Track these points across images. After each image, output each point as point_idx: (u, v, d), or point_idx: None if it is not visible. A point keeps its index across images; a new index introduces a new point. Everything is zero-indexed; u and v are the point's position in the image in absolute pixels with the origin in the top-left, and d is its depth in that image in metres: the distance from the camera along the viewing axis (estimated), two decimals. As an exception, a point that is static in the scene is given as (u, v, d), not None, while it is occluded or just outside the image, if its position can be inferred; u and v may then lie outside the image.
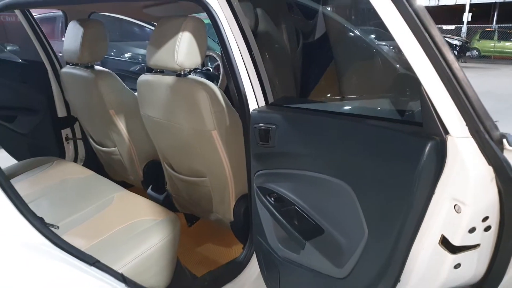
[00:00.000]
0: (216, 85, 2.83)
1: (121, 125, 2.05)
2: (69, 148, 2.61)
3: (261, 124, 1.25)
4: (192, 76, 1.61)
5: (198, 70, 3.02)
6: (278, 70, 1.63)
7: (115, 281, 1.17)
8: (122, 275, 1.22)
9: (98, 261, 1.16)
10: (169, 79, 1.60)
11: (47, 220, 1.62)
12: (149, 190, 2.21)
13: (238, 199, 1.75)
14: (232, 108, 1.62)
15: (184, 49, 1.49)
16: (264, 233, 1.31)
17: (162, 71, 1.70)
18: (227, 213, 1.78)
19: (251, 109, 1.35)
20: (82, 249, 1.42)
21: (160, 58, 1.56)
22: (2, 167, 2.12)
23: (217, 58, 2.98)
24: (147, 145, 2.05)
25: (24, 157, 2.63)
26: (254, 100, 1.38)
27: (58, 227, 1.39)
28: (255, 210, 1.38)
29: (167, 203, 2.10)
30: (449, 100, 0.66)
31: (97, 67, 2.05)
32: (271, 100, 1.38)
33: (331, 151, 0.96)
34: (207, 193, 1.78)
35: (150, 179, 2.24)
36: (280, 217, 1.15)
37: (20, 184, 1.99)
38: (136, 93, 2.16)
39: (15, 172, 2.11)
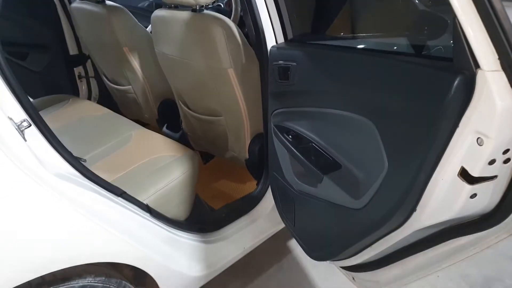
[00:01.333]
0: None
1: (135, 62, 2.04)
2: (82, 86, 2.62)
3: (281, 62, 1.24)
4: (208, 11, 1.57)
5: (209, 6, 2.92)
6: (297, 3, 1.58)
7: (141, 211, 1.25)
8: (147, 205, 1.30)
9: (125, 192, 1.22)
10: (184, 14, 1.56)
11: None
12: (164, 129, 2.26)
13: (253, 138, 1.79)
14: (248, 45, 1.59)
15: None
16: (281, 169, 1.35)
17: (176, 6, 1.66)
18: (242, 151, 1.83)
19: (269, 46, 1.33)
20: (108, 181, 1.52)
21: None
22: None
23: None
24: (162, 83, 2.05)
25: (39, 95, 2.66)
26: (273, 36, 1.35)
27: (85, 160, 1.45)
28: (271, 148, 1.41)
29: (183, 142, 2.14)
30: (484, 33, 0.65)
31: (108, 2, 2.00)
32: (290, 36, 1.35)
33: (354, 88, 0.97)
34: (222, 131, 1.82)
35: (165, 118, 2.27)
36: (298, 153, 1.19)
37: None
38: (148, 30, 2.13)
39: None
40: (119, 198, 1.19)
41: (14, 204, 0.86)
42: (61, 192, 0.95)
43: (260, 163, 1.77)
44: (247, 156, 1.82)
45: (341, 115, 1.01)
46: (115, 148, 1.73)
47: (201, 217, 1.66)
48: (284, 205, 1.46)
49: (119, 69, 2.13)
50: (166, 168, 1.55)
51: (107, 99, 2.51)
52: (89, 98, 2.67)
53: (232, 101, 1.65)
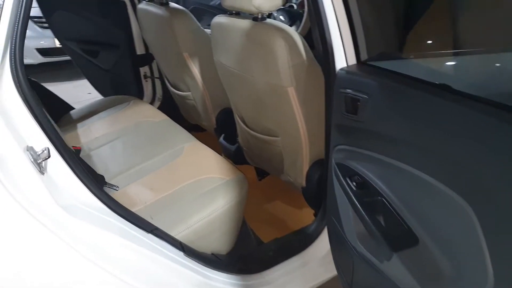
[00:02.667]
0: (298, 26, 2.55)
1: (195, 69, 1.92)
2: (147, 86, 2.60)
3: (349, 90, 1.00)
4: (270, 20, 1.38)
5: (281, 7, 2.72)
6: (377, 13, 1.31)
7: (172, 249, 1.11)
8: (180, 243, 1.15)
9: (156, 228, 1.09)
10: (244, 23, 1.39)
11: (119, 166, 1.62)
12: (221, 139, 2.12)
13: (313, 165, 1.57)
14: (315, 61, 1.37)
15: None
16: (339, 217, 1.12)
17: (238, 13, 1.49)
18: (298, 177, 1.62)
19: (337, 67, 1.10)
20: (148, 202, 1.41)
21: None
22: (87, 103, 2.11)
23: None
24: (222, 92, 1.91)
25: (107, 91, 2.70)
26: (343, 55, 1.11)
27: (117, 188, 1.36)
28: (330, 187, 1.18)
29: (238, 155, 2.00)
30: None
31: (172, 4, 1.89)
32: (364, 56, 1.10)
33: (448, 149, 0.70)
34: (278, 153, 1.62)
35: (223, 128, 2.13)
36: (361, 208, 0.95)
37: (100, 123, 2.02)
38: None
39: (96, 109, 2.15)
40: (149, 234, 1.06)
41: (13, 251, 0.76)
42: (74, 236, 0.83)
43: (318, 195, 1.55)
44: (304, 183, 1.61)
45: (424, 180, 0.75)
46: (165, 161, 1.63)
47: (245, 251, 1.49)
48: (342, 258, 1.23)
49: (179, 75, 2.03)
50: (212, 194, 1.40)
51: (171, 101, 2.45)
52: (153, 99, 2.64)
53: (291, 123, 1.45)
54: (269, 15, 2.79)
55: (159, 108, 2.63)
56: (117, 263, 0.89)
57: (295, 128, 1.45)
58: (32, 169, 0.77)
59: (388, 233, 0.88)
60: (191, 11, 3.28)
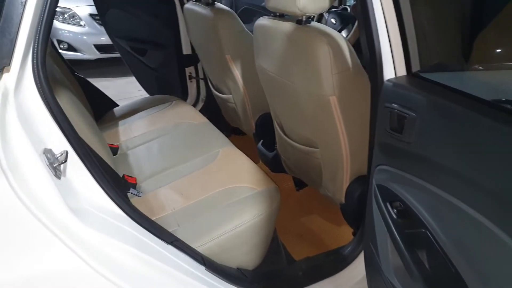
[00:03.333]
0: (350, 30, 2.41)
1: (237, 72, 1.86)
2: (192, 87, 2.59)
3: (395, 105, 0.88)
4: (315, 24, 1.28)
5: (333, 9, 2.59)
6: (434, 16, 1.17)
7: (193, 263, 1.05)
8: (202, 257, 1.09)
9: (177, 240, 1.04)
10: (287, 26, 1.30)
11: (153, 168, 1.60)
12: (259, 145, 2.04)
13: (354, 181, 1.45)
14: (362, 69, 1.26)
15: None
16: (377, 244, 1.00)
17: (282, 15, 1.41)
18: (337, 192, 1.50)
19: (385, 78, 0.98)
20: (177, 208, 1.37)
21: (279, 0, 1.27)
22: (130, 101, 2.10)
23: None
24: (262, 97, 1.84)
25: (153, 90, 2.73)
26: (391, 64, 0.99)
27: (140, 195, 1.33)
28: (369, 210, 1.07)
29: (276, 162, 1.92)
30: None
31: (218, 5, 1.85)
32: (416, 67, 0.97)
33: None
34: (317, 165, 1.51)
35: (262, 133, 2.06)
36: (400, 241, 0.83)
37: (141, 122, 2.03)
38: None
39: (139, 108, 2.17)
40: (169, 246, 1.01)
41: (18, 257, 0.73)
42: (82, 244, 0.79)
43: (358, 214, 1.43)
44: (343, 200, 1.49)
45: (480, 222, 0.62)
46: (198, 166, 1.58)
47: (273, 268, 1.40)
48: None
49: (222, 77, 1.99)
50: (241, 204, 1.33)
51: (214, 102, 2.41)
52: (197, 99, 2.63)
53: (331, 135, 1.34)
54: (320, 18, 2.67)
55: (202, 109, 2.62)
56: (127, 276, 0.84)
57: (336, 140, 1.34)
58: (46, 173, 0.74)
59: (430, 274, 0.76)
60: (242, 12, 3.27)
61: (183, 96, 2.57)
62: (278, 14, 1.41)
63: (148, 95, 2.82)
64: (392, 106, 0.89)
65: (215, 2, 1.86)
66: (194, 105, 2.62)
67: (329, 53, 1.17)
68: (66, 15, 4.48)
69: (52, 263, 0.74)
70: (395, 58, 0.97)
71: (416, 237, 0.82)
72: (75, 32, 4.46)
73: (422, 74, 0.93)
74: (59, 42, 4.43)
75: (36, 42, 0.78)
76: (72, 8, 4.48)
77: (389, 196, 0.95)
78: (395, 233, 0.85)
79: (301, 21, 1.27)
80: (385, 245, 0.93)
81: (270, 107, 1.69)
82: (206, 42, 1.92)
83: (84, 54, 4.52)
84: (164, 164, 1.62)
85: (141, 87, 2.88)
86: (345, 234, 1.76)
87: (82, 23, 4.49)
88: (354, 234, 1.53)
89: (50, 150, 0.80)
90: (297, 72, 1.30)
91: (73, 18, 4.49)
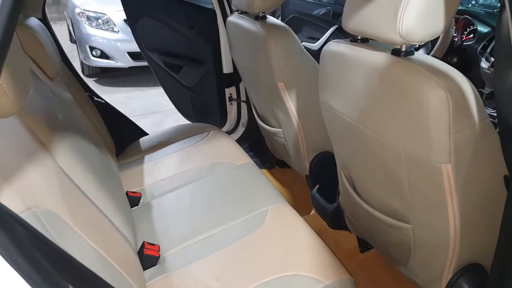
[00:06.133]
0: (429, 48, 1.94)
1: (291, 104, 1.47)
2: (231, 109, 2.22)
3: None
4: (420, 56, 0.87)
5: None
6: None
7: None
8: None
9: None
10: (377, 57, 0.90)
11: (182, 231, 1.24)
12: (314, 191, 1.65)
13: (459, 271, 1.03)
14: (491, 124, 0.85)
15: (417, 8, 0.77)
16: None
17: (366, 40, 1.00)
18: (432, 285, 1.08)
19: None
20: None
21: (366, 17, 0.87)
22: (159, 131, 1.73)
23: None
24: (321, 135, 1.44)
25: (185, 109, 2.39)
26: None
27: None
28: None
29: (336, 218, 1.52)
30: None
31: (270, 19, 1.47)
32: None
33: None
34: (403, 243, 1.10)
35: (319, 177, 1.66)
36: None
37: (170, 158, 1.70)
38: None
39: (168, 139, 1.82)
40: None
41: None
42: None
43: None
44: (441, 294, 1.07)
45: None
46: (242, 232, 1.21)
47: None
48: None
49: (270, 107, 1.61)
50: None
51: (257, 128, 2.02)
52: (236, 124, 2.26)
53: (435, 212, 0.94)
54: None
55: (243, 135, 2.25)
56: None
57: (442, 220, 0.94)
58: None
59: None
60: (289, 20, 2.86)
61: (222, 120, 2.22)
62: (359, 37, 1.00)
63: (180, 114, 2.48)
64: None
65: (267, 16, 1.48)
66: (233, 130, 2.26)
67: (447, 103, 0.77)
68: (100, 20, 4.26)
69: None
70: None
71: None
72: (109, 39, 4.22)
73: None
74: (92, 48, 4.21)
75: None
76: (106, 13, 4.26)
77: None
78: None
79: (400, 51, 0.87)
80: None
81: (336, 155, 1.29)
82: (253, 64, 1.54)
83: (117, 61, 4.27)
84: (197, 227, 1.25)
85: (173, 104, 2.54)
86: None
87: (116, 29, 4.26)
88: None
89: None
90: (391, 123, 0.90)
91: (107, 24, 4.26)
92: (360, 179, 1.18)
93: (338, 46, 1.05)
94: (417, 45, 1.58)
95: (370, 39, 0.95)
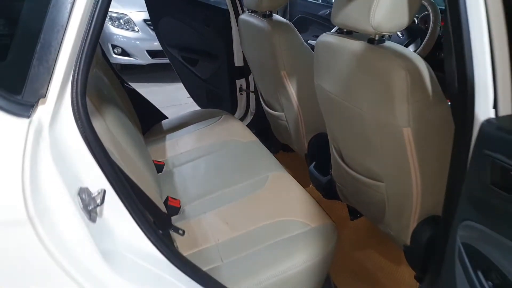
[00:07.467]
0: (418, 44, 2.18)
1: (292, 89, 1.72)
2: (241, 99, 2.48)
3: (501, 156, 0.70)
4: (390, 43, 1.12)
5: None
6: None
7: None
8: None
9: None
10: (356, 45, 1.15)
11: (198, 189, 1.50)
12: (311, 167, 1.89)
13: (422, 222, 1.26)
14: (443, 97, 1.08)
15: (386, 4, 1.01)
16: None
17: (350, 32, 1.25)
18: (402, 233, 1.32)
19: (481, 117, 0.79)
20: (220, 240, 1.26)
21: (348, 13, 1.12)
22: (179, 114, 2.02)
23: (428, 7, 2.24)
24: (317, 117, 1.69)
25: (201, 100, 2.66)
26: (491, 98, 0.79)
27: (183, 233, 1.22)
28: (449, 271, 0.89)
29: (329, 188, 1.76)
30: None
31: (276, 17, 1.73)
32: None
33: None
34: (380, 201, 1.34)
35: (315, 154, 1.90)
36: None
37: (188, 137, 1.95)
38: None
39: (187, 122, 2.09)
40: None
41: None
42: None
43: (425, 260, 1.24)
44: (408, 242, 1.31)
45: None
46: (246, 191, 1.46)
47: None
48: None
49: (274, 93, 1.86)
50: (292, 243, 1.19)
51: (263, 116, 2.29)
52: (245, 113, 2.52)
53: (401, 169, 1.17)
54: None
55: (251, 122, 2.50)
56: None
57: (406, 176, 1.17)
58: (78, 219, 0.65)
59: None
60: (297, 20, 3.12)
61: (232, 109, 2.48)
62: (345, 30, 1.25)
63: (195, 104, 2.76)
64: (497, 156, 0.71)
65: (273, 14, 1.74)
66: (243, 118, 2.52)
67: (406, 80, 1.01)
68: (121, 21, 4.57)
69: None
70: (499, 91, 0.78)
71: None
72: (129, 37, 4.54)
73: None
74: (113, 46, 4.53)
75: (77, 70, 0.69)
76: (127, 14, 4.57)
77: (480, 262, 0.77)
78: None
79: (374, 40, 1.12)
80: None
81: (328, 130, 1.54)
82: (260, 56, 1.80)
83: (136, 59, 4.58)
84: (210, 187, 1.51)
85: (189, 95, 2.82)
86: (405, 275, 1.58)
87: (136, 28, 4.57)
88: (416, 278, 1.35)
89: (86, 189, 0.71)
90: (366, 97, 1.14)
91: (128, 24, 4.57)
92: (346, 149, 1.43)
93: (328, 38, 1.30)
94: (388, 36, 1.81)
95: (354, 31, 1.20)
